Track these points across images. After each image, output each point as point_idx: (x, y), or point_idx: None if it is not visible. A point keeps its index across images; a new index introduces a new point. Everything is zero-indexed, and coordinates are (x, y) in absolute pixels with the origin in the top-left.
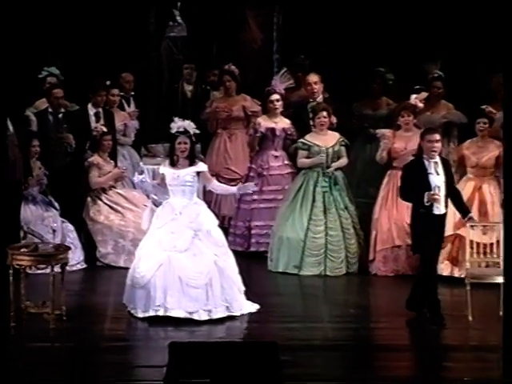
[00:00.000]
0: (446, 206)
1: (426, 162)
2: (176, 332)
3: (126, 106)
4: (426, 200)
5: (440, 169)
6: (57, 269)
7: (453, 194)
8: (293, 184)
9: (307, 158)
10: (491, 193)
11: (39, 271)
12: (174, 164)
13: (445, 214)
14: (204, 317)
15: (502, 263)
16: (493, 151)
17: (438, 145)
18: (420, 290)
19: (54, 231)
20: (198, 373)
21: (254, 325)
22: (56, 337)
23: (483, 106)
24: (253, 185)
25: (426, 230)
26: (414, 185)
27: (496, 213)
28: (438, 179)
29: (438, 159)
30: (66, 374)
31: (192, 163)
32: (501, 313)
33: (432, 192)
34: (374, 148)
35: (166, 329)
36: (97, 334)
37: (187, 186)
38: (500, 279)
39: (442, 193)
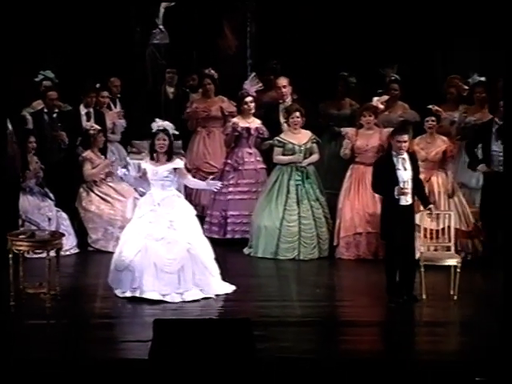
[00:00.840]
0: (413, 198)
1: (395, 159)
2: (158, 310)
3: (112, 106)
4: (396, 193)
5: (408, 164)
6: (52, 253)
7: (417, 186)
8: (269, 178)
9: (283, 154)
10: (439, 184)
11: (36, 255)
12: (154, 159)
13: (411, 205)
14: (176, 299)
15: (452, 247)
16: (439, 146)
17: (406, 144)
18: (393, 275)
19: (49, 219)
20: (180, 347)
21: (230, 303)
22: (51, 314)
23: (430, 106)
24: (219, 183)
25: (394, 220)
26: (384, 179)
27: (442, 202)
28: (405, 174)
29: (405, 156)
30: (61, 348)
31: (170, 159)
32: (451, 292)
33: (401, 186)
34: (338, 144)
35: (149, 307)
36: (88, 311)
37: (166, 181)
38: (451, 262)
39: (409, 186)
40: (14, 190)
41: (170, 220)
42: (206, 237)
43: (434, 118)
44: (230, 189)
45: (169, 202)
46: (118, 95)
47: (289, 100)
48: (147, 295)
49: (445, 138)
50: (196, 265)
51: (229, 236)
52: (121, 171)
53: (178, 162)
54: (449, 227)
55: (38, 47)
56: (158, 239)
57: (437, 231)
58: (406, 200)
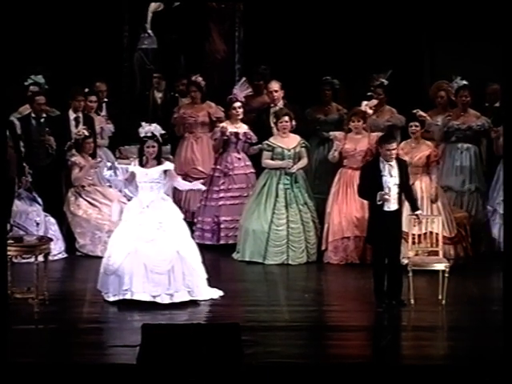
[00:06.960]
0: (400, 204)
1: (381, 165)
2: (147, 315)
3: (98, 111)
4: (377, 199)
5: (394, 171)
6: (40, 258)
7: (406, 191)
8: (258, 181)
9: (271, 158)
10: (422, 189)
11: (24, 260)
12: (143, 164)
13: (397, 211)
14: (166, 300)
15: (440, 252)
16: (423, 151)
17: (394, 152)
18: (381, 279)
19: (37, 224)
20: (168, 352)
21: (218, 308)
22: (40, 319)
23: (414, 111)
24: (203, 187)
25: (379, 225)
26: (370, 184)
27: (425, 207)
28: (390, 180)
29: (393, 162)
30: (49, 353)
31: (159, 163)
32: (439, 296)
33: (383, 192)
34: (326, 149)
35: (137, 312)
36: (76, 316)
37: (155, 183)
38: (439, 266)
39: (393, 192)
40: (8, 195)
41: (159, 222)
42: (199, 244)
43: (417, 123)
44: (221, 194)
45: (157, 204)
46: (105, 99)
47: (280, 104)
48: (137, 297)
49: (429, 143)
50: (186, 266)
51: (222, 242)
52: (106, 173)
53: (168, 165)
54: (435, 233)
55: (26, 52)
56: (147, 241)
57: (419, 236)
58: (389, 206)
